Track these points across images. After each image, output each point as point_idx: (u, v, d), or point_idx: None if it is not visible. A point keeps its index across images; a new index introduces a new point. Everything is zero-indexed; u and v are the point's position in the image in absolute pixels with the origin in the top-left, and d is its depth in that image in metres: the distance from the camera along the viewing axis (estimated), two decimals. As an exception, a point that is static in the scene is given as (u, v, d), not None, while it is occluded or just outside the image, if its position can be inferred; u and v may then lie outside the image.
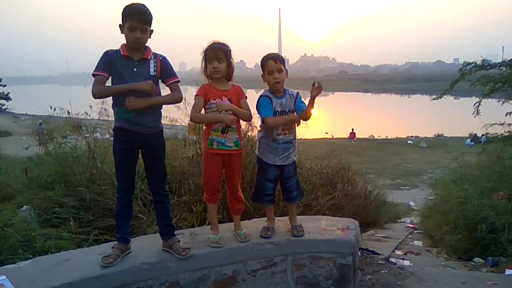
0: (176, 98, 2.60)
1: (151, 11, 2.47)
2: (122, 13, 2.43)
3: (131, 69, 2.44)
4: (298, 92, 2.85)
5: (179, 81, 2.60)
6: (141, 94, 2.42)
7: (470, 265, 4.53)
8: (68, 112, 6.57)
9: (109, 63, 2.44)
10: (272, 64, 2.74)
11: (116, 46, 2.50)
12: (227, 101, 2.67)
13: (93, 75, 2.42)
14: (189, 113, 2.78)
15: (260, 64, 2.83)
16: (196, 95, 2.70)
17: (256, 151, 2.95)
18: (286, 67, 2.84)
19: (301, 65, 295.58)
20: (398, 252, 5.37)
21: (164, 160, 2.69)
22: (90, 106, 5.81)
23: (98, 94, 2.45)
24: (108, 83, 2.49)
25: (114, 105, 2.53)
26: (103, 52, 2.47)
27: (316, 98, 2.67)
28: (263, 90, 2.84)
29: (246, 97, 2.79)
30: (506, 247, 4.21)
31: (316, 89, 2.62)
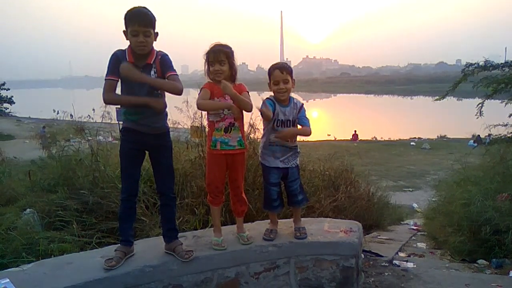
0: (175, 87, 2.50)
1: (153, 13, 2.45)
2: (124, 18, 2.42)
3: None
4: (302, 104, 2.85)
5: (177, 75, 2.56)
6: (140, 90, 2.43)
7: (474, 267, 4.50)
8: (71, 115, 6.60)
9: (119, 65, 2.43)
10: (278, 74, 2.74)
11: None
12: (229, 99, 2.65)
13: (105, 79, 2.43)
14: (191, 115, 2.79)
15: (267, 73, 2.84)
16: (202, 88, 2.69)
17: (259, 156, 2.96)
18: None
19: (303, 67, 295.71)
20: (401, 254, 5.35)
21: (171, 160, 2.69)
22: (93, 109, 5.83)
23: (109, 101, 2.50)
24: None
25: (122, 106, 2.55)
26: (112, 53, 2.47)
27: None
28: (265, 93, 2.85)
29: (248, 92, 2.75)
30: (511, 248, 4.19)
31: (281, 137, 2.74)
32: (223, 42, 2.73)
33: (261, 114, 2.73)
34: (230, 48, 2.70)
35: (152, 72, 2.49)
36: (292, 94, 2.86)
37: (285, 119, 2.78)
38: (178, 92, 2.52)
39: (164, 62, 2.52)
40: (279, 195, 2.92)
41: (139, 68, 2.46)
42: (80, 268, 2.49)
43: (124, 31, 2.44)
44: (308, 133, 2.85)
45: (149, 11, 2.44)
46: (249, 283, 2.75)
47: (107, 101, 2.50)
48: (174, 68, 2.56)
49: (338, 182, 5.59)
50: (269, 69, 2.82)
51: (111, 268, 2.43)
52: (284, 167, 2.83)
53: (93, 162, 4.40)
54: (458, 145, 22.73)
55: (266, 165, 2.85)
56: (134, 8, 2.42)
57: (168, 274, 2.54)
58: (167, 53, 2.56)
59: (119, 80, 2.46)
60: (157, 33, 2.50)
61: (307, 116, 2.84)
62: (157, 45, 2.54)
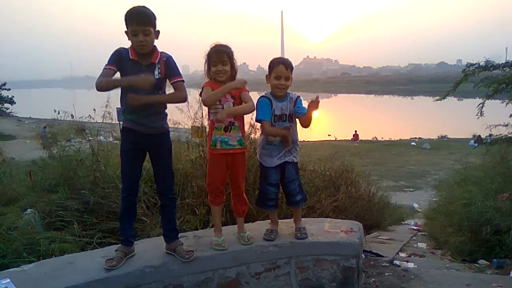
0: (179, 97, 2.57)
1: (152, 12, 2.44)
2: (124, 19, 2.42)
3: (139, 75, 2.42)
4: (298, 96, 2.84)
5: (183, 81, 2.56)
6: (141, 91, 2.41)
7: (475, 267, 4.50)
8: (72, 116, 6.61)
9: (120, 60, 2.44)
10: (282, 70, 2.72)
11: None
12: (230, 98, 2.65)
13: (104, 68, 2.41)
14: (192, 116, 2.79)
15: (268, 65, 2.81)
16: (204, 87, 2.68)
17: (258, 155, 2.96)
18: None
19: (303, 67, 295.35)
20: (402, 254, 5.35)
21: (170, 161, 2.69)
22: (94, 110, 5.83)
23: (99, 86, 2.37)
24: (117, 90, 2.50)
25: (121, 106, 2.55)
26: (115, 50, 2.46)
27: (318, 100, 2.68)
28: (265, 93, 2.83)
29: (248, 91, 2.73)
30: (511, 249, 4.18)
31: (314, 105, 2.66)
32: (223, 42, 2.73)
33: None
34: (231, 49, 2.70)
35: (156, 72, 2.49)
36: None
37: (282, 114, 2.77)
38: (182, 101, 2.64)
39: (169, 65, 2.53)
40: (276, 196, 2.91)
41: (142, 66, 2.46)
42: (81, 268, 2.49)
43: (125, 32, 2.45)
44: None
45: (148, 9, 2.44)
46: (250, 283, 2.75)
47: (97, 86, 2.37)
48: (180, 71, 2.58)
49: (338, 182, 5.59)
50: (272, 62, 2.76)
51: (112, 268, 2.43)
52: (280, 163, 2.80)
53: (94, 162, 4.41)
54: (459, 145, 22.74)
55: (264, 165, 2.85)
56: (133, 8, 2.42)
57: (168, 274, 2.54)
58: (171, 54, 2.56)
59: (116, 72, 2.44)
60: (158, 31, 2.49)
61: (304, 106, 2.79)
62: (159, 45, 2.53)
